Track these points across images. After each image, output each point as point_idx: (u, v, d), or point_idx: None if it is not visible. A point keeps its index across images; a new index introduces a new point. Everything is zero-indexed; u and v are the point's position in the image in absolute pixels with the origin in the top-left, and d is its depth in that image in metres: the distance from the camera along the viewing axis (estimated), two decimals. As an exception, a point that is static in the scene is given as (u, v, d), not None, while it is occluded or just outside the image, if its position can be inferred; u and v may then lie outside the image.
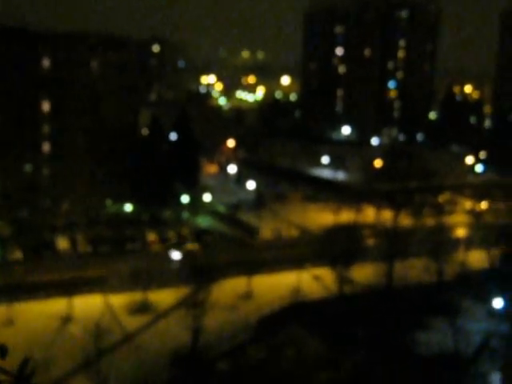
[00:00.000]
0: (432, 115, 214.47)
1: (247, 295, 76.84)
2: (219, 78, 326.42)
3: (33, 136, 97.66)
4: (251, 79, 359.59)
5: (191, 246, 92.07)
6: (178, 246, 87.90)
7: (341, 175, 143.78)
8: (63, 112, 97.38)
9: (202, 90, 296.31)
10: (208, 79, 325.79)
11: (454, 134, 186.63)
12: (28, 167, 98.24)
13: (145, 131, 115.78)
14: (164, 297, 72.57)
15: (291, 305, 73.65)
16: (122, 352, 61.41)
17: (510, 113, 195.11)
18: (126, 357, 60.24)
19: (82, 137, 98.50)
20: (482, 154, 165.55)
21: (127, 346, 63.00)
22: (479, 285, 75.72)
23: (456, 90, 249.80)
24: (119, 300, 72.43)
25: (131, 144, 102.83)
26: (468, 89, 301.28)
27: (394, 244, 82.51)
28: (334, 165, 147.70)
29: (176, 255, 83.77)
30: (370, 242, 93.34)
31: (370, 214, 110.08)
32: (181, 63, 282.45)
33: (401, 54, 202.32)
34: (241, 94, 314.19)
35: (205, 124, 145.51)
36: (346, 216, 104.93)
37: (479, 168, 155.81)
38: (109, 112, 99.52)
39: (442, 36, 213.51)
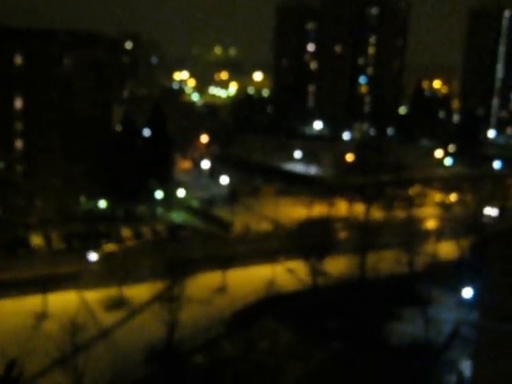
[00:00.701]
0: (402, 110, 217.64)
1: (222, 289, 77.34)
2: (192, 75, 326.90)
3: (5, 133, 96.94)
4: (224, 75, 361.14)
5: (111, 246, 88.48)
6: (95, 247, 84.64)
7: (313, 169, 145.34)
8: (36, 109, 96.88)
9: (175, 86, 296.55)
10: (181, 75, 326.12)
11: (424, 129, 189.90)
12: (1, 164, 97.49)
13: (118, 127, 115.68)
14: (139, 292, 72.57)
15: (265, 298, 74.06)
16: (98, 348, 61.27)
17: (477, 107, 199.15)
18: (102, 352, 60.23)
19: (55, 134, 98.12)
20: (451, 148, 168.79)
21: (103, 342, 62.93)
22: (449, 275, 77.21)
23: (425, 85, 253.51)
24: (94, 296, 72.38)
25: (105, 140, 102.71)
26: (437, 84, 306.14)
27: (365, 236, 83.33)
28: (306, 159, 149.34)
29: (93, 256, 79.79)
30: (343, 234, 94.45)
31: (342, 207, 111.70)
32: (154, 60, 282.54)
33: (371, 50, 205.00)
34: (213, 90, 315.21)
35: (178, 120, 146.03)
36: (319, 209, 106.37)
37: (448, 161, 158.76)
38: (82, 109, 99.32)
39: (411, 32, 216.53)
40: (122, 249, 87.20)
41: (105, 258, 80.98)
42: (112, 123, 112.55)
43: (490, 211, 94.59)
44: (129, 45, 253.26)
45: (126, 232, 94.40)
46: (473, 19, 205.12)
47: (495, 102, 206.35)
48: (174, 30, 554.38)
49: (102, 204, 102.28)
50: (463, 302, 69.72)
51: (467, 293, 67.41)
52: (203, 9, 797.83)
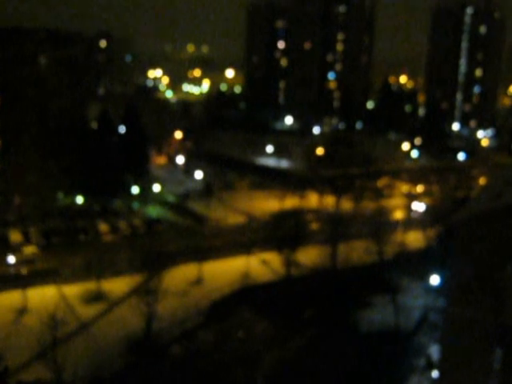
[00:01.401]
0: (370, 104, 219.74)
1: (198, 281, 78.21)
2: (165, 72, 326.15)
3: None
4: (196, 72, 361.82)
5: (30, 249, 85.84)
6: (14, 250, 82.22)
7: (285, 163, 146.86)
8: (12, 106, 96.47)
9: (149, 83, 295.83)
10: (155, 73, 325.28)
11: (391, 122, 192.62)
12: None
13: (94, 124, 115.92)
14: (117, 285, 73.19)
15: (241, 289, 75.41)
16: (77, 341, 61.84)
17: (441, 101, 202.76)
18: (82, 345, 60.78)
19: (31, 131, 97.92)
20: (417, 141, 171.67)
21: (83, 335, 63.45)
22: (417, 263, 78.65)
23: (392, 80, 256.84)
24: (73, 290, 72.96)
25: (81, 137, 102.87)
26: (403, 79, 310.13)
27: (336, 227, 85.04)
28: (278, 153, 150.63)
29: (11, 259, 76.10)
30: (314, 226, 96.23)
31: (313, 199, 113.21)
32: (127, 58, 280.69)
33: (339, 47, 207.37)
34: (187, 87, 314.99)
35: (153, 117, 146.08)
36: (291, 202, 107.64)
37: (415, 153, 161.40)
38: (58, 106, 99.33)
39: (378, 29, 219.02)
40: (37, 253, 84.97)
41: (24, 262, 79.92)
42: (88, 120, 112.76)
43: (418, 206, 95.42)
44: (103, 43, 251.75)
45: (103, 227, 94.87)
46: (436, 16, 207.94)
47: (459, 95, 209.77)
48: (147, 27, 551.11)
49: (79, 200, 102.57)
50: (431, 289, 70.68)
51: (434, 280, 68.10)
52: (175, 7, 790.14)
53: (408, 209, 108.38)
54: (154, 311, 64.43)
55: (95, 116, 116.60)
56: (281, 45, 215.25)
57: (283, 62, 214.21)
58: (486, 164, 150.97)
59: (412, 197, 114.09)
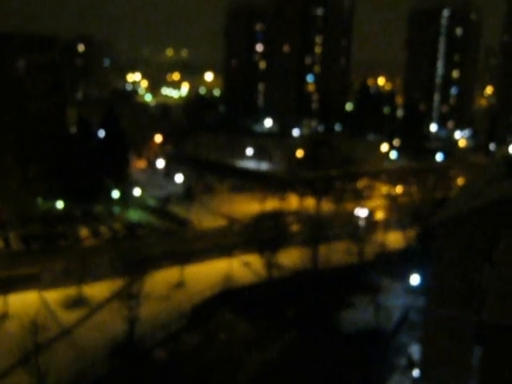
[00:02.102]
0: (348, 106, 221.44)
1: (180, 284, 78.09)
2: (144, 76, 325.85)
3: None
4: (176, 76, 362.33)
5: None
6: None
7: (265, 166, 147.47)
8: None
9: (128, 87, 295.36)
10: (134, 77, 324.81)
11: (370, 124, 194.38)
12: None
13: (73, 129, 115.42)
14: (98, 290, 72.77)
15: (223, 291, 75.29)
16: (59, 346, 61.25)
17: (419, 103, 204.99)
18: (64, 351, 60.28)
19: (9, 136, 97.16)
20: (396, 142, 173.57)
21: (65, 340, 62.94)
22: (397, 263, 79.53)
23: (370, 82, 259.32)
24: (54, 295, 72.43)
25: (60, 142, 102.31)
26: (381, 81, 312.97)
27: (317, 229, 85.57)
28: (258, 156, 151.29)
29: None
30: (295, 228, 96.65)
31: (293, 201, 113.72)
32: (106, 62, 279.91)
33: (318, 49, 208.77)
34: (166, 91, 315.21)
35: (132, 120, 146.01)
36: (272, 204, 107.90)
37: (393, 155, 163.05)
38: (36, 111, 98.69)
39: (356, 31, 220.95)
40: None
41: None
42: (67, 125, 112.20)
43: (360, 212, 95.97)
44: (81, 47, 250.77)
45: (83, 232, 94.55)
46: (413, 18, 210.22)
47: (436, 97, 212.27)
48: (125, 31, 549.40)
49: (59, 205, 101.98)
50: (411, 289, 71.10)
51: (414, 280, 68.13)
52: (154, 11, 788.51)
53: (388, 209, 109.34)
54: (136, 315, 64.07)
55: (74, 120, 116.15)
56: (259, 48, 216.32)
57: (262, 65, 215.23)
58: (463, 164, 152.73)
59: (391, 197, 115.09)
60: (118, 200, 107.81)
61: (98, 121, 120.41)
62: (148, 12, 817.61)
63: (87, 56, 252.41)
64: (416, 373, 52.64)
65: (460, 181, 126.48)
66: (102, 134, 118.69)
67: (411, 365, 57.66)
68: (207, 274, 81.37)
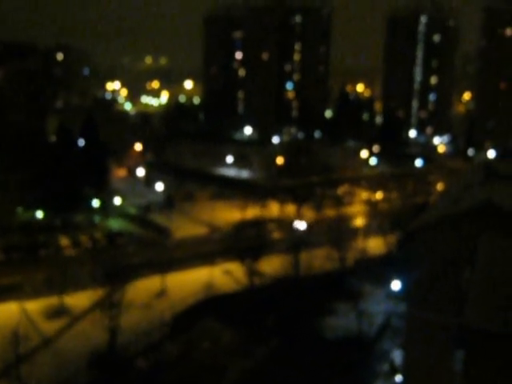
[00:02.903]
0: (328, 113, 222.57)
1: (161, 293, 77.79)
2: (124, 84, 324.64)
3: None
4: (155, 84, 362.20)
5: None
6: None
7: (245, 173, 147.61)
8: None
9: (108, 96, 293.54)
10: (113, 85, 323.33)
11: (349, 130, 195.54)
12: None
13: (52, 138, 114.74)
14: (79, 300, 72.19)
15: (204, 299, 75.16)
16: (41, 356, 60.82)
17: (398, 109, 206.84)
18: (46, 361, 59.84)
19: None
20: (375, 148, 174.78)
21: (46, 351, 62.48)
22: (378, 269, 79.06)
23: (349, 88, 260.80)
24: (35, 306, 71.79)
25: (39, 150, 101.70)
26: (360, 87, 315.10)
27: (298, 236, 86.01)
28: (238, 163, 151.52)
29: None
30: (276, 235, 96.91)
31: (274, 208, 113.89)
32: (85, 70, 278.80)
33: (296, 56, 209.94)
34: (146, 99, 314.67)
35: (112, 129, 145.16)
36: (252, 212, 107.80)
37: (373, 161, 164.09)
38: (15, 119, 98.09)
39: (334, 38, 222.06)
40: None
41: None
42: (47, 133, 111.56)
43: (299, 224, 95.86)
44: (60, 56, 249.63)
45: (64, 241, 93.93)
46: (391, 24, 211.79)
47: (415, 103, 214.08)
48: (104, 40, 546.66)
49: (40, 214, 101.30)
50: (392, 295, 71.19)
51: (395, 285, 68.43)
52: (132, 19, 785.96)
53: (368, 215, 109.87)
54: (117, 324, 63.70)
55: (53, 129, 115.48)
56: (238, 55, 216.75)
57: (241, 73, 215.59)
58: (442, 170, 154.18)
59: (372, 203, 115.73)
60: (98, 209, 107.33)
61: (78, 130, 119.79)
62: (127, 20, 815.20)
63: (66, 64, 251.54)
64: (399, 378, 52.87)
65: (439, 186, 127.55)
66: (81, 142, 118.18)
67: (394, 370, 57.93)
68: (188, 282, 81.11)
